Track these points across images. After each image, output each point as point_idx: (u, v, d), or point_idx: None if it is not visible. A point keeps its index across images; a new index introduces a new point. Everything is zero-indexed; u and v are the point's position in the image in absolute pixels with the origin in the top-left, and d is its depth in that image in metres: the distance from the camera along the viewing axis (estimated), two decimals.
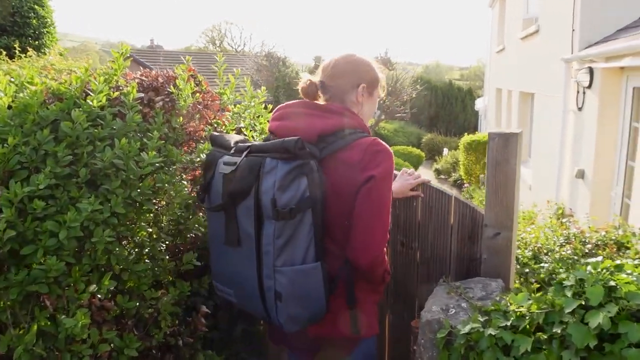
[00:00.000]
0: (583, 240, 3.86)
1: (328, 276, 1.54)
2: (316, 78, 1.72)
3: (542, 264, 3.66)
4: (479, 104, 20.16)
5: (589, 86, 5.21)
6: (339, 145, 1.56)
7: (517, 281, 3.61)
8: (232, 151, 1.60)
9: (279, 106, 1.72)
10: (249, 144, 1.60)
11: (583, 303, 1.43)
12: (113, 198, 1.69)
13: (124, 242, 1.95)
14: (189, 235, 2.20)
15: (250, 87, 2.48)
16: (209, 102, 2.36)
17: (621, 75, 4.90)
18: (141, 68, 2.58)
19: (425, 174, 17.86)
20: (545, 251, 3.85)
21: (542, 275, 3.55)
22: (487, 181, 2.18)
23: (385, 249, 1.65)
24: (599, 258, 1.69)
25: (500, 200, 2.15)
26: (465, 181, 13.74)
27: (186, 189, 2.05)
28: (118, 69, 1.97)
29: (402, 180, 2.26)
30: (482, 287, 1.98)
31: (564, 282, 1.60)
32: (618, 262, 1.59)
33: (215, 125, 2.30)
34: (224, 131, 2.36)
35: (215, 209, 1.60)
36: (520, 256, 3.96)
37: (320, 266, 1.51)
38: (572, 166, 5.89)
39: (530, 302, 1.61)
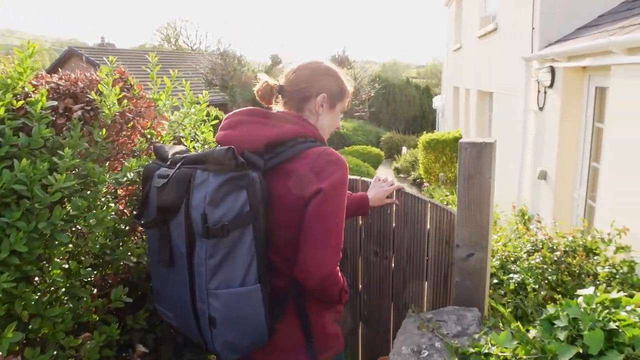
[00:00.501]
0: (551, 246, 3.72)
1: (274, 297, 1.46)
2: (278, 82, 1.63)
3: (510, 274, 3.50)
4: (436, 102, 20.28)
5: (551, 85, 5.11)
6: (287, 155, 1.45)
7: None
8: (168, 163, 1.50)
9: (228, 114, 1.61)
10: (185, 155, 1.49)
11: (581, 351, 1.21)
12: (13, 232, 1.37)
13: (36, 281, 1.63)
14: (120, 265, 1.88)
15: (190, 92, 2.16)
16: (143, 109, 2.04)
17: (583, 75, 4.82)
18: (95, 68, 2.27)
19: (385, 172, 17.82)
20: (512, 259, 3.69)
21: (511, 287, 3.38)
22: (459, 195, 1.95)
23: (337, 267, 1.51)
24: (591, 290, 1.47)
25: (474, 217, 1.92)
26: (424, 180, 13.71)
27: (112, 214, 1.73)
28: (24, 73, 1.63)
29: (377, 187, 2.18)
30: (457, 319, 1.74)
31: (554, 320, 1.37)
32: (613, 295, 1.38)
33: (150, 136, 1.98)
34: (162, 142, 2.05)
35: (148, 225, 1.49)
36: None
37: (259, 288, 1.39)
38: (534, 167, 5.81)
39: (516, 344, 1.38)
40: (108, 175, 1.69)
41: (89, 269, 1.70)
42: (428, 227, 2.15)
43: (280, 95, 1.61)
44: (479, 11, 9.74)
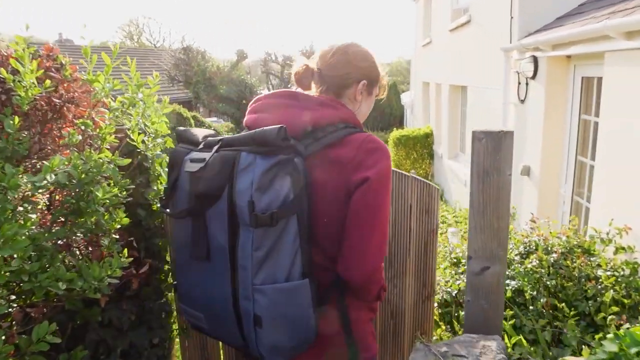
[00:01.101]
0: (546, 248, 3.43)
1: (317, 295, 1.31)
2: (312, 65, 1.49)
3: (507, 280, 3.18)
4: (405, 99, 20.13)
5: (533, 76, 4.86)
6: (329, 140, 1.33)
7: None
8: (200, 146, 1.38)
9: (256, 97, 1.50)
10: (221, 137, 1.37)
11: None
12: None
13: None
14: (50, 293, 1.47)
15: (137, 74, 1.74)
16: (76, 94, 1.62)
17: (568, 65, 4.57)
18: None
19: None
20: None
21: (508, 295, 3.07)
22: (472, 197, 1.60)
23: (382, 262, 1.43)
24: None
25: (490, 223, 1.58)
26: None
27: (33, 228, 1.32)
28: None
29: None
30: (479, 353, 1.39)
31: None
32: None
33: (83, 127, 1.57)
34: (100, 135, 1.64)
35: (180, 214, 1.37)
36: None
37: (307, 283, 1.28)
38: (515, 162, 5.55)
39: None
40: (24, 178, 1.28)
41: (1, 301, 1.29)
42: (411, 200, 2.17)
43: (318, 80, 1.48)
44: (450, 4, 9.50)
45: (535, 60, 4.82)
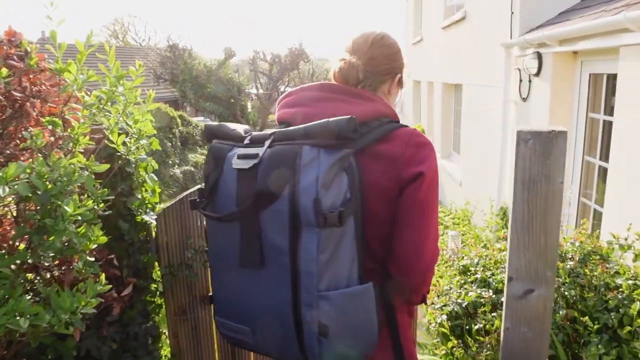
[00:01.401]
0: (561, 254, 3.22)
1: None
2: (354, 60, 1.38)
3: None
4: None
5: (537, 73, 4.65)
6: (376, 135, 1.26)
7: (493, 314, 2.89)
8: (246, 141, 1.26)
9: (289, 91, 1.42)
10: (272, 131, 1.25)
11: None
12: None
13: None
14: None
15: (117, 62, 1.47)
16: (43, 87, 1.35)
17: (575, 61, 4.37)
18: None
19: None
20: None
21: None
22: (514, 208, 1.37)
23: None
24: None
25: (536, 239, 1.34)
26: None
27: None
28: None
29: None
30: None
31: None
32: None
33: (51, 126, 1.30)
34: (73, 136, 1.37)
35: (229, 218, 1.23)
36: (491, 280, 3.25)
37: (372, 287, 1.19)
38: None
39: None
40: None
41: None
42: None
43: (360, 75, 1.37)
44: (443, 1, 9.31)
45: (539, 56, 4.61)
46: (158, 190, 1.84)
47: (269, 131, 1.24)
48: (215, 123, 1.39)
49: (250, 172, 1.18)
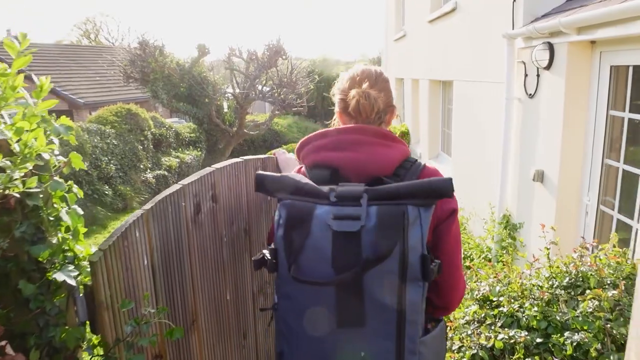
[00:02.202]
0: (599, 280, 2.69)
1: None
2: (372, 93, 1.48)
3: (565, 333, 2.41)
4: None
5: (548, 66, 4.15)
6: (413, 176, 1.37)
7: None
8: (332, 199, 1.25)
9: (322, 131, 1.46)
10: (361, 187, 1.26)
11: None
12: None
13: None
14: None
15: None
16: None
17: (592, 51, 3.88)
18: None
19: None
20: (541, 299, 2.61)
21: (569, 352, 2.30)
22: None
23: None
24: None
25: None
26: None
27: None
28: None
29: (291, 163, 2.03)
30: None
31: None
32: None
33: None
34: None
35: (333, 283, 1.21)
36: (521, 314, 2.68)
37: (444, 324, 1.41)
38: (522, 166, 4.86)
39: None
40: None
41: None
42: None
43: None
44: None
45: (550, 47, 4.11)
46: (82, 230, 1.25)
47: (355, 187, 1.26)
48: (278, 175, 1.35)
49: (353, 234, 1.18)
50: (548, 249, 2.96)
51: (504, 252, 5.02)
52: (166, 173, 13.34)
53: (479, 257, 5.40)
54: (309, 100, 13.89)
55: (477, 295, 2.82)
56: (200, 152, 16.06)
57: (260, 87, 12.82)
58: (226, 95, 13.27)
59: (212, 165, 1.83)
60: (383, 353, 1.23)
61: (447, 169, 8.43)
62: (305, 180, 1.31)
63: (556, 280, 2.75)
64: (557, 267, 2.84)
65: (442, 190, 1.22)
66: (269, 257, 1.31)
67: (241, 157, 2.05)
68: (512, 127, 5.00)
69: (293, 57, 13.31)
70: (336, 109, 1.60)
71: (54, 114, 1.16)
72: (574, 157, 4.04)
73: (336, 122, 1.63)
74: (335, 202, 1.24)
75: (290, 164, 2.04)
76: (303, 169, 1.49)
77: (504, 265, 4.95)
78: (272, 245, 1.32)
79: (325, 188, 1.28)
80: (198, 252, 1.72)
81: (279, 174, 1.36)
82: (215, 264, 1.86)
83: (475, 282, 3.08)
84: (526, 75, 4.67)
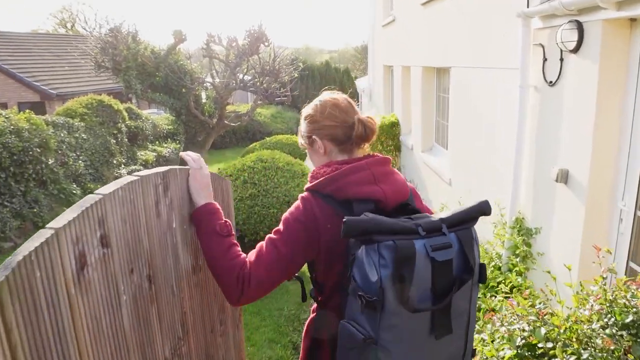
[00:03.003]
0: None
1: None
2: (355, 116, 1.72)
3: None
4: (361, 85, 18.83)
5: (576, 49, 3.55)
6: (412, 197, 1.74)
7: None
8: (422, 232, 1.42)
9: (354, 165, 1.61)
10: (434, 218, 1.49)
11: None
12: None
13: None
14: None
15: None
16: None
17: (631, 31, 3.29)
18: None
19: (311, 164, 16.11)
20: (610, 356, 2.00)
21: None
22: None
23: None
24: None
25: None
26: None
27: None
28: None
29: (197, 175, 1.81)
30: None
31: None
32: None
33: None
34: None
35: (444, 305, 1.42)
36: None
37: None
38: (538, 163, 4.28)
39: None
40: None
41: None
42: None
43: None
44: None
45: (579, 27, 3.50)
46: None
47: (432, 219, 1.47)
48: (363, 217, 1.39)
49: (449, 260, 1.41)
50: (604, 277, 2.36)
51: (518, 259, 4.46)
52: (142, 168, 12.58)
53: (488, 264, 4.83)
54: (293, 89, 13.21)
55: (517, 339, 2.21)
56: (179, 145, 15.30)
57: (241, 76, 12.08)
58: (205, 84, 12.50)
59: (98, 190, 1.20)
60: (457, 352, 1.50)
61: (443, 162, 7.85)
62: (391, 219, 1.41)
63: (613, 317, 2.17)
64: (621, 302, 2.24)
65: (487, 211, 1.56)
66: (374, 298, 1.34)
67: (135, 174, 1.43)
68: (527, 119, 4.41)
69: (276, 46, 12.59)
70: (319, 137, 1.71)
71: None
72: (608, 155, 3.46)
73: (322, 150, 1.72)
74: (424, 235, 1.40)
75: (204, 185, 1.76)
76: (325, 202, 1.59)
77: (518, 275, 4.40)
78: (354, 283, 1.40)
79: (408, 222, 1.42)
80: (88, 327, 1.10)
81: (368, 217, 1.39)
82: (114, 335, 1.23)
83: (506, 316, 2.49)
84: (545, 59, 4.07)
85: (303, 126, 1.77)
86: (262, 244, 1.60)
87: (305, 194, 1.65)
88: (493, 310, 3.98)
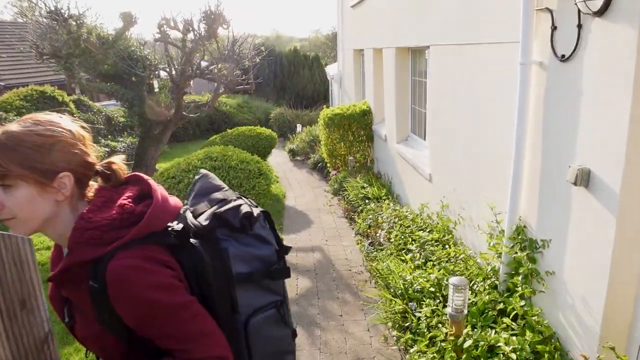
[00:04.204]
0: None
1: None
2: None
3: None
4: (331, 71, 17.88)
5: (603, 10, 2.68)
6: None
7: None
8: None
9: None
10: None
11: None
12: None
13: None
14: None
15: None
16: None
17: None
18: None
19: (279, 156, 15.14)
20: None
21: None
22: None
23: None
24: None
25: None
26: (328, 165, 11.25)
27: None
28: None
29: None
30: None
31: None
32: None
33: None
34: None
35: None
36: None
37: None
38: (546, 159, 3.42)
39: None
40: None
41: None
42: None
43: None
44: None
45: None
46: None
47: None
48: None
49: None
50: None
51: (519, 278, 3.61)
52: None
53: (483, 282, 3.98)
54: (257, 76, 12.18)
55: None
56: (136, 139, 14.14)
57: (197, 62, 11.00)
58: (157, 72, 11.36)
59: None
60: None
61: (420, 155, 6.99)
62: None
63: None
64: None
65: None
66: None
67: None
68: (530, 105, 3.54)
69: (245, 34, 11.51)
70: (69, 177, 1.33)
71: None
72: None
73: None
74: None
75: None
76: None
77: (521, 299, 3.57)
78: None
79: None
80: None
81: None
82: None
83: None
84: (554, 28, 3.19)
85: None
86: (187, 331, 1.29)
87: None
88: (497, 346, 3.13)
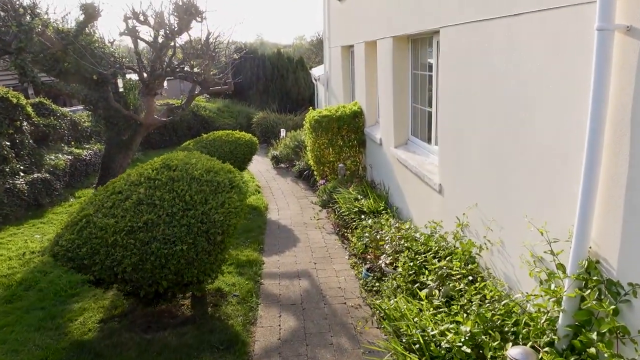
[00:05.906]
0: None
1: None
2: None
3: None
4: (316, 73, 16.82)
5: None
6: None
7: None
8: None
9: None
10: None
11: None
12: None
13: None
14: None
15: None
16: None
17: None
18: None
19: (262, 163, 13.95)
20: None
21: None
22: None
23: None
24: None
25: None
26: (315, 173, 10.12)
27: None
28: None
29: None
30: None
31: None
32: None
33: None
34: None
35: None
36: None
37: None
38: (632, 165, 2.34)
39: None
40: None
41: None
42: None
43: None
44: None
45: None
46: None
47: None
48: None
49: None
50: None
51: (594, 335, 2.52)
52: (49, 176, 10.16)
53: (529, 335, 2.89)
54: (236, 75, 11.02)
55: None
56: (104, 146, 12.88)
57: (167, 59, 9.84)
58: (122, 70, 10.15)
59: None
60: None
61: (427, 161, 5.91)
62: None
63: None
64: None
65: None
66: None
67: None
68: (610, 87, 2.47)
69: (230, 41, 10.39)
70: None
71: None
72: None
73: None
74: None
75: None
76: None
77: None
78: None
79: None
80: None
81: None
82: None
83: None
84: None
85: None
86: None
87: None
88: None
